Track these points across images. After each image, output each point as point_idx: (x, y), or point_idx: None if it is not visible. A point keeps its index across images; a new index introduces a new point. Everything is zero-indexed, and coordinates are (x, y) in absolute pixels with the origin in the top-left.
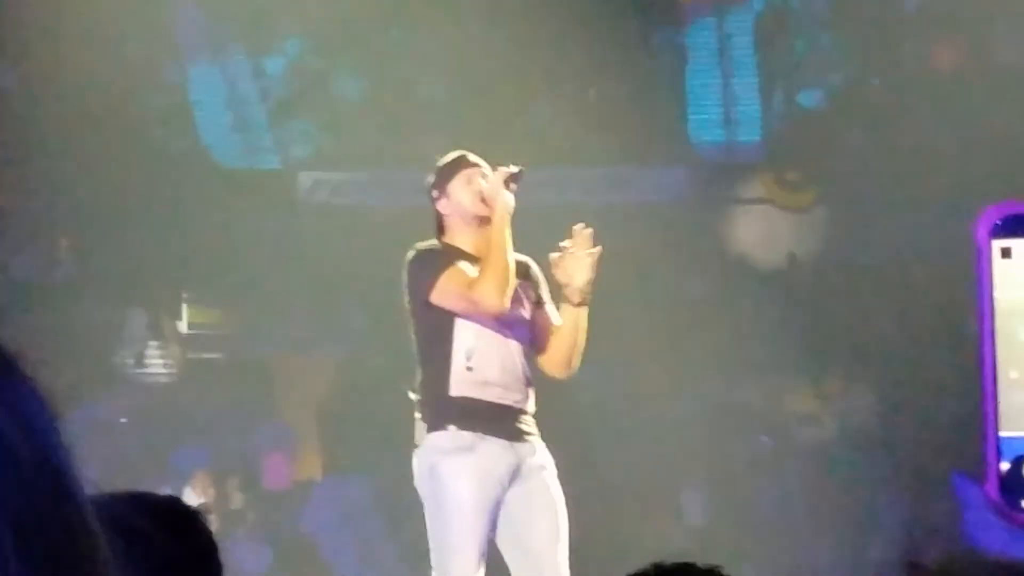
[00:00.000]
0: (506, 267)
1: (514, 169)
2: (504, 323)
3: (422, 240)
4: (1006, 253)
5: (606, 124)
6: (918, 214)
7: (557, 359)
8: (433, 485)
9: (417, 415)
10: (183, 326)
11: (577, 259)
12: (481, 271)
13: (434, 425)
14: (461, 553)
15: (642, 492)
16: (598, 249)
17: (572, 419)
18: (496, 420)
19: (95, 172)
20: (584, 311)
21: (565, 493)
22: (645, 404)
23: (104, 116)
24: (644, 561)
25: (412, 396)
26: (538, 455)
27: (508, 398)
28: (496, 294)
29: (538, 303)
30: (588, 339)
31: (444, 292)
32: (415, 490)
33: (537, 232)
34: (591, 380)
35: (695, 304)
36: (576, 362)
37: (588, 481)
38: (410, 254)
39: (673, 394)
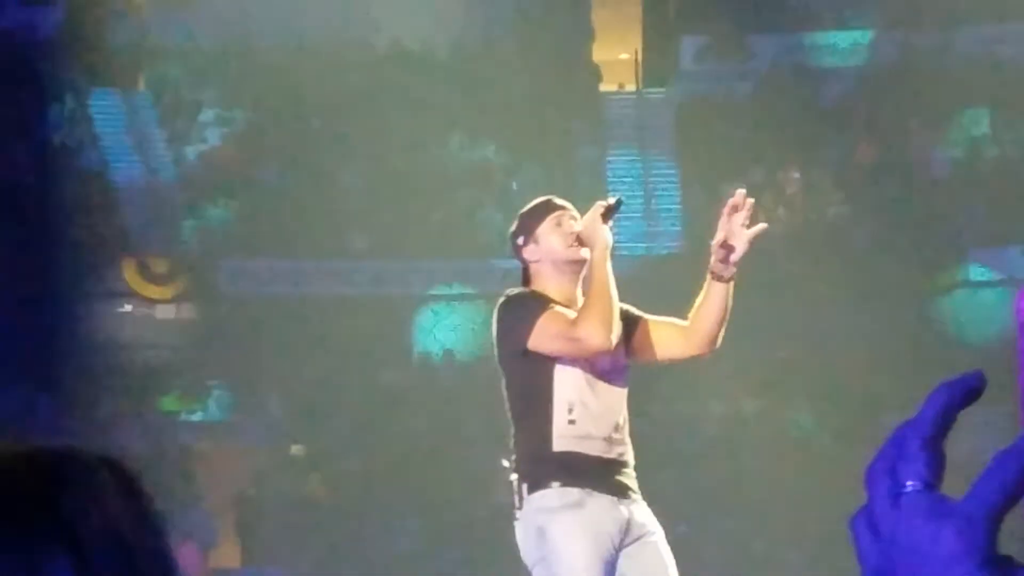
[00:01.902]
0: (611, 302)
1: (611, 200)
2: (604, 369)
3: (342, 329)
4: None
5: None
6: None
7: (701, 337)
8: (544, 548)
9: (513, 477)
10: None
11: (741, 230)
12: (584, 307)
13: (536, 484)
14: None
15: None
16: (764, 226)
17: None
18: (601, 476)
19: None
20: (731, 288)
21: None
22: None
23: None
24: None
25: (505, 464)
26: (645, 513)
27: (612, 451)
28: (602, 330)
29: (633, 323)
30: None
31: (544, 335)
32: None
33: (461, 325)
34: None
35: None
36: (720, 339)
37: None
38: (501, 300)
39: None
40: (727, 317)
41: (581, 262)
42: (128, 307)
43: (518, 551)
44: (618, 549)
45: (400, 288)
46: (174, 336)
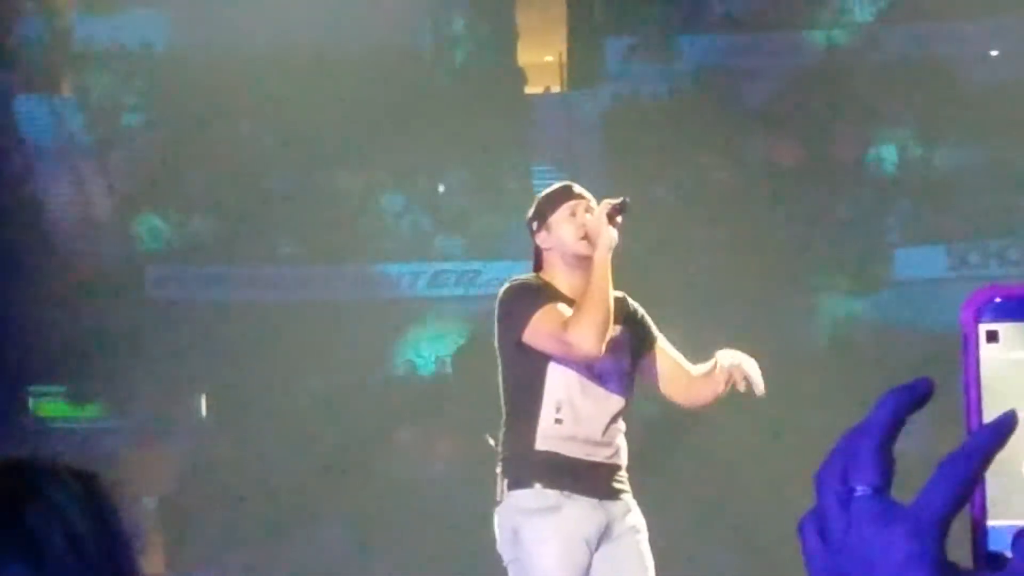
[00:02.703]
0: (606, 309)
1: (617, 200)
2: (600, 373)
3: (269, 335)
4: (992, 337)
5: (454, 221)
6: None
7: (704, 398)
8: (517, 551)
9: (498, 469)
10: (29, 420)
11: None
12: (578, 311)
13: (517, 482)
14: None
15: None
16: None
17: None
18: (584, 478)
19: None
20: None
21: None
22: None
23: None
24: None
25: (490, 441)
26: (631, 515)
27: (597, 454)
28: (593, 338)
29: (647, 346)
30: None
31: (536, 332)
32: None
33: (380, 322)
34: None
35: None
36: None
37: None
38: (504, 287)
39: None
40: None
41: (586, 258)
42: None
43: (446, 557)
44: (594, 551)
45: (328, 293)
46: (99, 342)
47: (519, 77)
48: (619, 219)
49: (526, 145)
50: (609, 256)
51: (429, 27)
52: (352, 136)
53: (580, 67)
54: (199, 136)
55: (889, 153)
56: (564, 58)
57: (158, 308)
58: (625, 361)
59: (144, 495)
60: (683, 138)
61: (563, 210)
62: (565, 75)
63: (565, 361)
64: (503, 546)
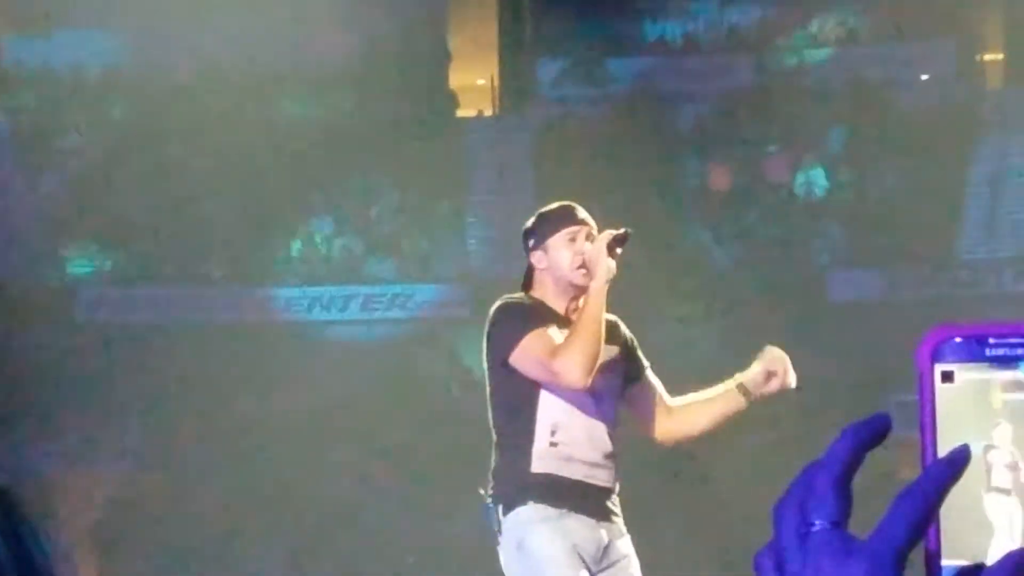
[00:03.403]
0: (597, 341)
1: (619, 232)
2: (592, 397)
3: (202, 357)
4: (947, 377)
5: (386, 244)
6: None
7: (685, 428)
8: (524, 563)
9: (488, 499)
10: None
11: (789, 373)
12: (568, 341)
13: (511, 505)
14: None
15: None
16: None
17: None
18: (580, 498)
19: None
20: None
21: None
22: None
23: None
24: None
25: (481, 491)
26: (625, 540)
27: (595, 477)
28: (580, 370)
29: (636, 375)
30: None
31: (524, 356)
32: None
33: (311, 344)
34: None
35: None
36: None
37: None
38: (496, 305)
39: None
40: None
41: (583, 288)
42: None
43: (381, 564)
44: (594, 571)
45: (260, 315)
46: (30, 364)
47: (451, 100)
48: (619, 250)
49: (459, 168)
50: (606, 288)
51: (361, 50)
52: (283, 159)
53: (512, 90)
54: (130, 159)
55: (819, 177)
56: (496, 81)
57: (89, 331)
58: (617, 383)
59: (73, 517)
60: (615, 160)
61: (563, 234)
62: (497, 98)
63: (555, 389)
64: (507, 564)
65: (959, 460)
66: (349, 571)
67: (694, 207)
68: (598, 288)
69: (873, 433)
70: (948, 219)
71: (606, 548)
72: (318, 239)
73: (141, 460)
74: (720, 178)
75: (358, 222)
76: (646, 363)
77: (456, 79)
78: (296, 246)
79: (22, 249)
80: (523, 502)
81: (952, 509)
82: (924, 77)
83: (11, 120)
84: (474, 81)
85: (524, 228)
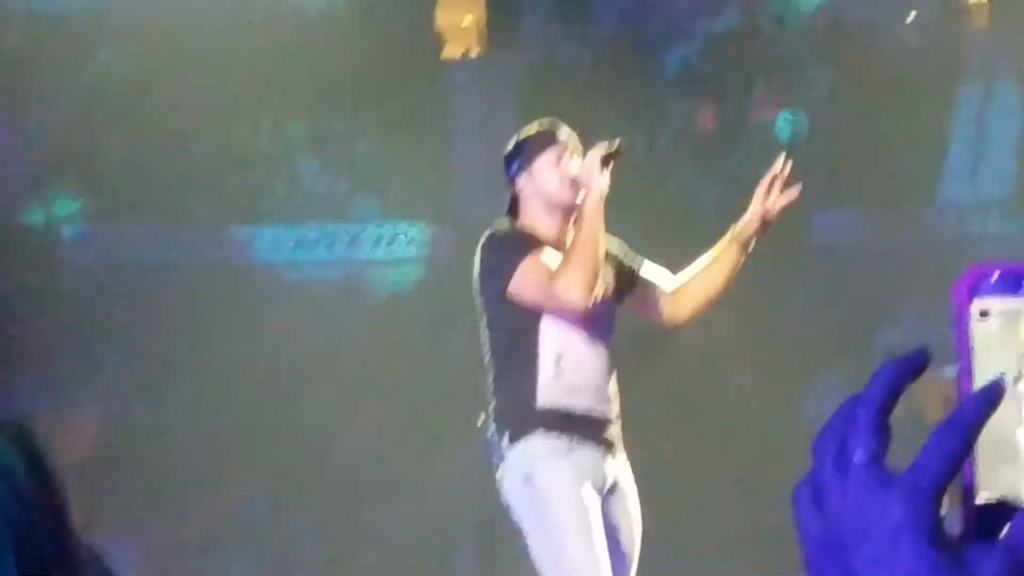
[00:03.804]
0: (596, 260)
1: (613, 146)
2: (591, 320)
3: (186, 297)
4: (984, 314)
5: (371, 182)
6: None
7: (690, 302)
8: (533, 497)
9: (491, 429)
10: None
11: (780, 196)
12: (566, 261)
13: (521, 432)
14: (586, 567)
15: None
16: (798, 188)
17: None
18: (587, 429)
19: None
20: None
21: None
22: None
23: None
24: None
25: (479, 421)
26: (625, 470)
27: (599, 408)
28: (581, 289)
29: (630, 282)
30: None
31: (522, 284)
32: (185, 551)
33: (305, 293)
34: None
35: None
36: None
37: None
38: (485, 235)
39: None
40: (722, 293)
41: (573, 207)
42: None
43: (362, 514)
44: (601, 498)
45: (245, 255)
46: (12, 304)
47: (436, 41)
48: (611, 165)
49: (443, 109)
50: (601, 205)
51: None
52: (269, 99)
53: (497, 31)
54: (116, 97)
55: (802, 118)
56: (482, 22)
57: (74, 271)
58: (613, 306)
59: (58, 457)
60: (601, 102)
61: (548, 155)
62: (482, 39)
63: (558, 313)
64: (514, 496)
65: (993, 393)
66: (335, 510)
67: (680, 147)
68: (594, 205)
69: (912, 368)
70: (933, 161)
71: (614, 484)
72: (304, 179)
73: (126, 400)
74: (706, 119)
75: (343, 161)
76: (636, 265)
77: (441, 20)
78: (281, 185)
79: (5, 188)
80: (531, 431)
81: (986, 443)
82: (909, 19)
83: None
84: (459, 22)
85: (505, 154)
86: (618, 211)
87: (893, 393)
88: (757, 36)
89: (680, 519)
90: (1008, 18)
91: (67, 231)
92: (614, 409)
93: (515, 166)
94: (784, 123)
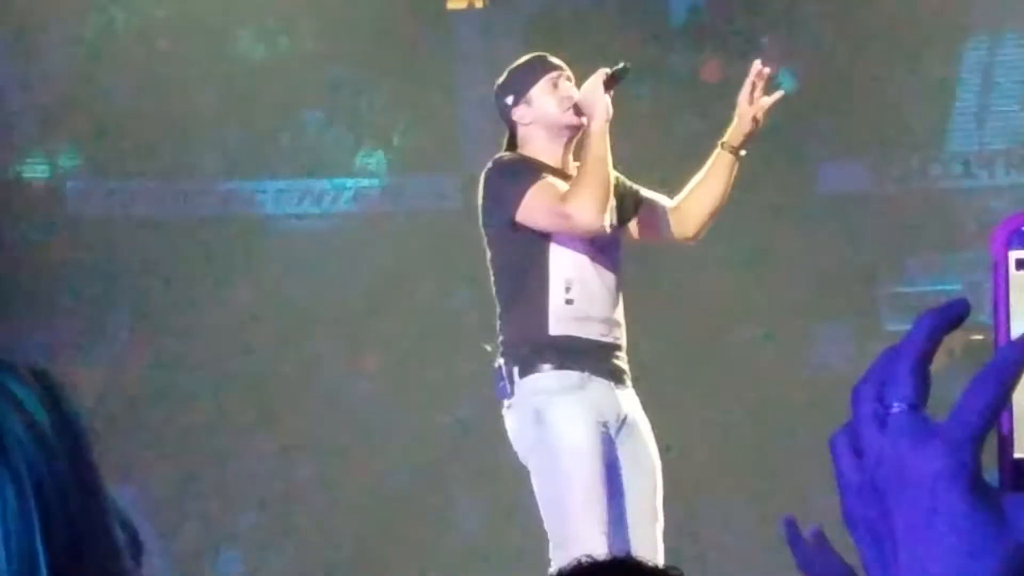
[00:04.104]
0: (607, 180)
1: (616, 67)
2: (599, 247)
3: (192, 250)
4: (1021, 264)
5: (376, 136)
6: None
7: (694, 219)
8: (542, 434)
9: (499, 361)
10: None
11: (763, 99)
12: (576, 183)
13: (529, 368)
14: (587, 515)
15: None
16: (781, 93)
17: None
18: (599, 359)
19: None
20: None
21: None
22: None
23: None
24: None
25: (487, 348)
26: (635, 401)
27: (610, 335)
28: (595, 209)
29: (633, 206)
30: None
31: (532, 208)
32: (189, 498)
33: (310, 246)
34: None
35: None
36: (706, 228)
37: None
38: (489, 165)
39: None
40: (724, 203)
41: (577, 128)
42: None
43: (369, 455)
44: (614, 436)
45: (250, 209)
46: (17, 257)
47: None
48: (612, 88)
49: (448, 60)
50: (607, 125)
51: None
52: (273, 51)
53: None
54: (118, 52)
55: (811, 68)
56: None
57: (79, 224)
58: (618, 232)
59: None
60: (607, 51)
61: (544, 82)
62: None
63: (567, 238)
64: (522, 433)
65: None
66: (338, 453)
67: (685, 97)
68: (599, 126)
69: (951, 318)
70: (939, 112)
71: (624, 418)
72: (308, 131)
73: (131, 354)
74: (712, 70)
75: (348, 115)
76: (633, 186)
77: None
78: (286, 138)
79: (8, 142)
80: (542, 366)
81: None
82: None
83: None
84: None
85: (496, 86)
86: (619, 163)
87: (932, 343)
88: None
89: (687, 466)
90: None
91: (71, 185)
92: (623, 336)
93: (511, 98)
94: (786, 77)
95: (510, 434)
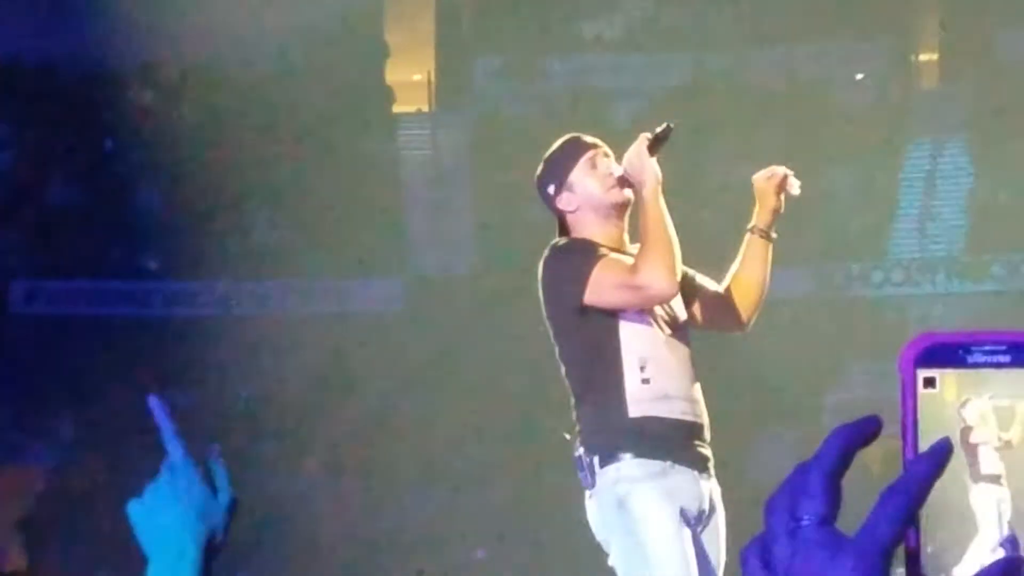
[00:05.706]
0: (670, 241)
1: (658, 130)
2: (671, 323)
3: (136, 350)
4: (929, 383)
5: (321, 237)
6: None
7: (744, 309)
8: (625, 522)
9: (579, 451)
10: None
11: (789, 183)
12: (642, 252)
13: (610, 457)
14: None
15: None
16: (797, 185)
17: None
18: (682, 444)
19: None
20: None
21: None
22: None
23: None
24: None
25: (567, 436)
26: (719, 495)
27: (691, 412)
28: (666, 274)
29: (692, 290)
30: None
31: (601, 286)
32: None
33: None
34: None
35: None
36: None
37: None
38: (547, 253)
39: None
40: (767, 290)
41: (626, 204)
42: None
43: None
44: (696, 531)
45: (193, 309)
46: None
47: (387, 96)
48: (658, 150)
49: (394, 163)
50: (659, 190)
51: (296, 43)
52: (225, 160)
53: (448, 86)
54: (65, 151)
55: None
56: (432, 77)
57: (23, 324)
58: (682, 307)
59: (4, 509)
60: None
61: (583, 163)
62: (433, 94)
63: (637, 315)
64: (605, 524)
65: (941, 454)
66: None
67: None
68: (651, 194)
69: (862, 434)
70: (880, 217)
71: (707, 511)
72: (253, 231)
73: (74, 453)
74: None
75: (293, 215)
76: (690, 271)
77: (392, 75)
78: (232, 240)
79: None
80: (622, 455)
81: (931, 508)
82: (859, 76)
83: None
84: (411, 77)
85: (536, 178)
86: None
87: (844, 457)
88: (707, 93)
89: None
90: (956, 77)
91: (16, 284)
92: (704, 415)
93: (552, 187)
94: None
95: (591, 521)
